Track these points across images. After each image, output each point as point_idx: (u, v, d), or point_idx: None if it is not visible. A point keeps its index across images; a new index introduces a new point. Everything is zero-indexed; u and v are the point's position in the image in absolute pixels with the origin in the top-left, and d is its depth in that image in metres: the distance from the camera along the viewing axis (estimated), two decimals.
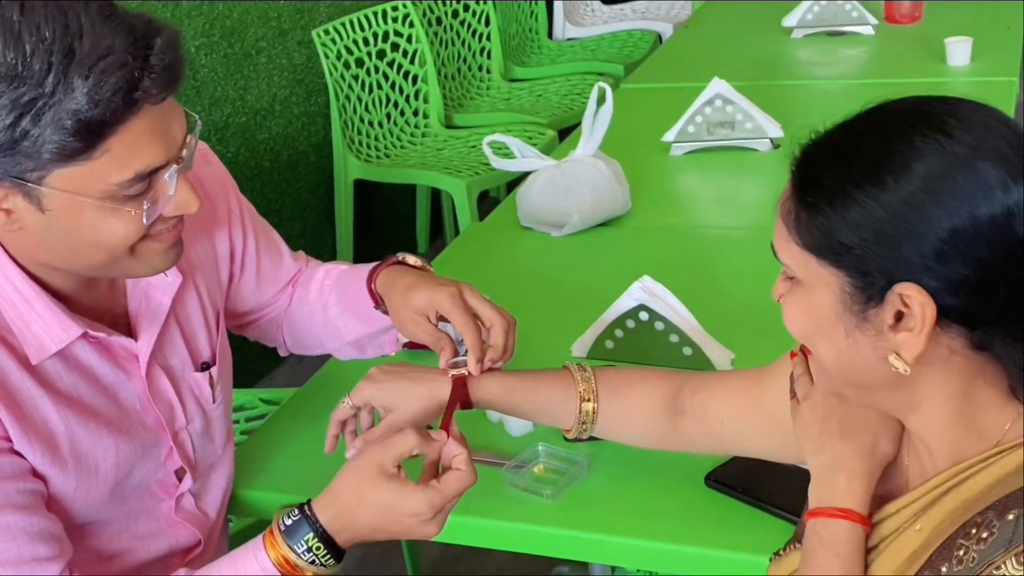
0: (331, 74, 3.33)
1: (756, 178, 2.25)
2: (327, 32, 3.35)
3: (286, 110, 3.29)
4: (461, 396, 1.19)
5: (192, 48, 2.92)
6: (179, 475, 1.29)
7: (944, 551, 0.85)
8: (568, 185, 2.03)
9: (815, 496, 0.97)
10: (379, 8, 3.56)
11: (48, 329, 1.12)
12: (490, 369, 1.23)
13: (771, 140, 2.32)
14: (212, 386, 1.31)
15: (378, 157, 3.46)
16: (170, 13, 2.89)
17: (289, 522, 1.07)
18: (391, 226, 3.72)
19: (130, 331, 1.22)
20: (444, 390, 1.19)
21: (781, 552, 1.06)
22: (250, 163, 3.05)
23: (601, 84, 2.08)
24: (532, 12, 4.46)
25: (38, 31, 0.97)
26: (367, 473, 1.07)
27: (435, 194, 3.76)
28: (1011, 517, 0.80)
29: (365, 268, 1.41)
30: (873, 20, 3.05)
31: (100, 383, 1.19)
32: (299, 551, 1.06)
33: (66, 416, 1.14)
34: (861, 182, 0.84)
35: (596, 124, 2.06)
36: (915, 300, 0.82)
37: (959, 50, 2.68)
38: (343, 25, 3.42)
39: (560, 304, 1.80)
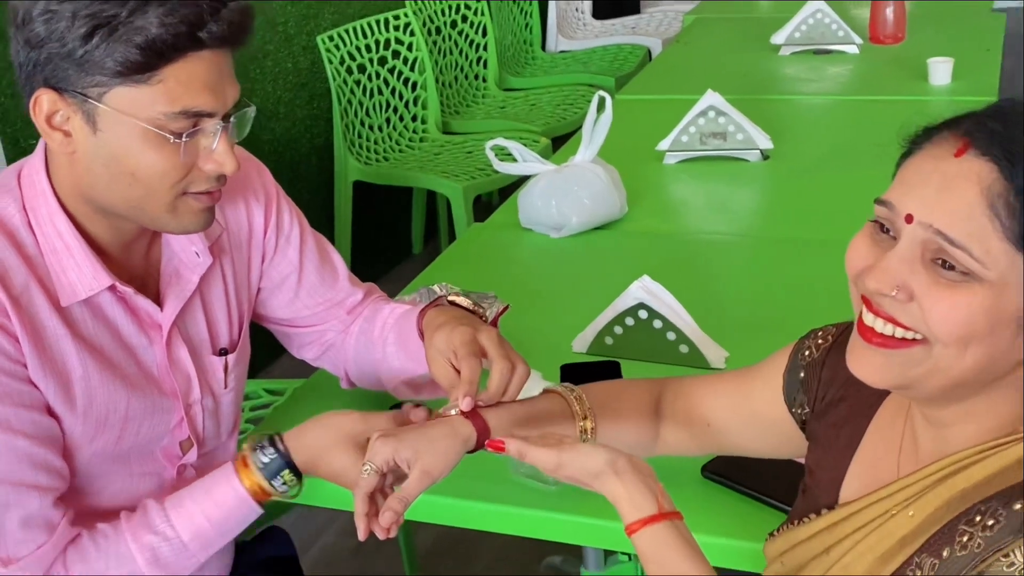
0: (334, 79, 3.35)
1: (747, 187, 2.28)
2: (331, 38, 3.37)
3: (290, 113, 3.32)
4: (482, 430, 1.15)
5: None
6: (184, 448, 1.29)
7: (944, 536, 0.86)
8: (568, 189, 2.04)
9: (632, 512, 1.00)
10: (381, 16, 3.59)
11: (81, 276, 1.15)
12: (497, 403, 1.20)
13: (761, 151, 2.34)
14: (226, 372, 1.31)
15: (377, 160, 3.49)
16: None
17: (267, 459, 1.15)
18: (388, 227, 3.73)
19: (159, 302, 1.23)
20: (462, 427, 1.15)
21: (775, 532, 1.08)
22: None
23: (601, 93, 2.10)
24: (527, 24, 4.48)
25: None
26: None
27: (430, 197, 3.78)
28: (1018, 507, 0.81)
29: (420, 307, 1.40)
30: (858, 40, 3.08)
31: (123, 340, 1.21)
32: (276, 484, 1.14)
33: (85, 359, 1.16)
34: None
35: (596, 131, 2.08)
36: None
37: (941, 70, 2.72)
38: (347, 32, 3.44)
39: (559, 302, 1.82)
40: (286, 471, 1.12)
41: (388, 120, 3.59)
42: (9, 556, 1.10)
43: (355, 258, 3.50)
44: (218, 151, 1.11)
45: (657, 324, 1.61)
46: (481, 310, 1.47)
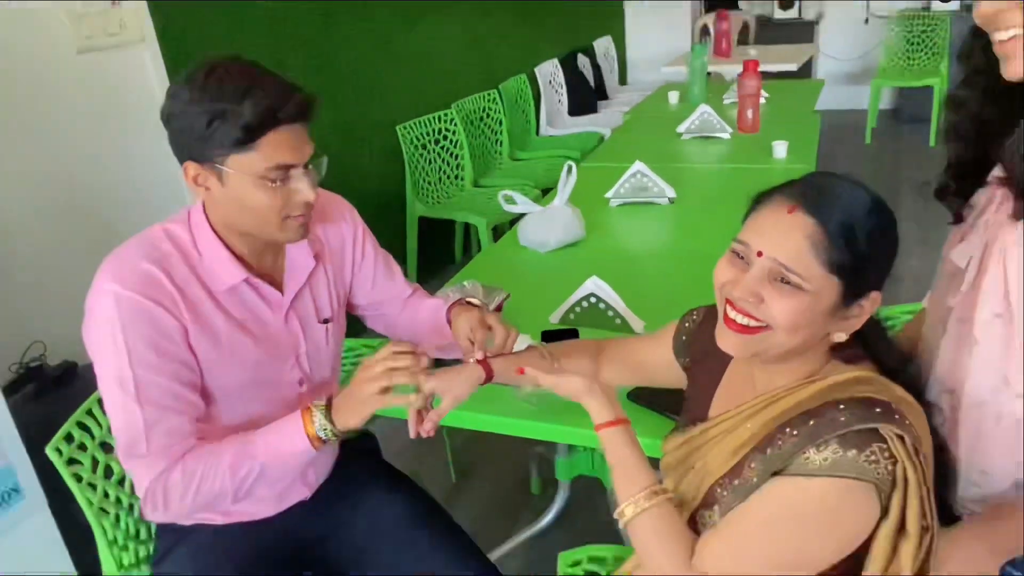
0: (407, 151, 3.36)
1: (659, 222, 2.28)
2: (405, 127, 3.38)
3: (379, 172, 3.32)
4: (489, 371, 1.18)
5: (326, 134, 2.95)
6: (300, 383, 1.28)
7: (767, 441, 0.89)
8: (549, 222, 2.06)
9: (598, 416, 1.02)
10: (437, 114, 3.59)
11: (226, 272, 1.16)
12: (499, 355, 1.23)
13: (668, 198, 2.35)
14: (327, 335, 1.31)
15: (433, 203, 3.50)
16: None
17: (320, 416, 1.11)
18: (439, 245, 3.73)
19: (280, 288, 1.24)
20: (476, 370, 1.18)
21: (669, 435, 1.10)
22: (356, 206, 3.08)
23: (570, 163, 2.12)
24: (527, 119, 4.48)
25: (231, 76, 1.04)
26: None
27: (466, 226, 3.77)
28: (812, 423, 0.84)
29: (446, 304, 1.42)
30: (729, 130, 3.08)
31: (257, 315, 1.21)
32: (323, 436, 1.12)
33: (228, 325, 1.17)
34: (877, 242, 0.85)
35: (566, 186, 2.09)
36: (872, 301, 0.87)
37: (780, 148, 2.73)
38: (415, 123, 3.45)
39: (542, 292, 1.82)
40: (328, 427, 1.11)
41: (440, 178, 3.59)
42: (148, 451, 1.10)
43: (419, 264, 3.50)
44: (302, 189, 1.10)
45: (602, 306, 1.62)
46: (485, 304, 1.49)
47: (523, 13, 4.58)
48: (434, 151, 3.56)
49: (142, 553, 1.41)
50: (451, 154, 3.67)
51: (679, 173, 2.61)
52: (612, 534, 1.89)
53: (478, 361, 1.18)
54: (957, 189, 0.98)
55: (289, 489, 1.33)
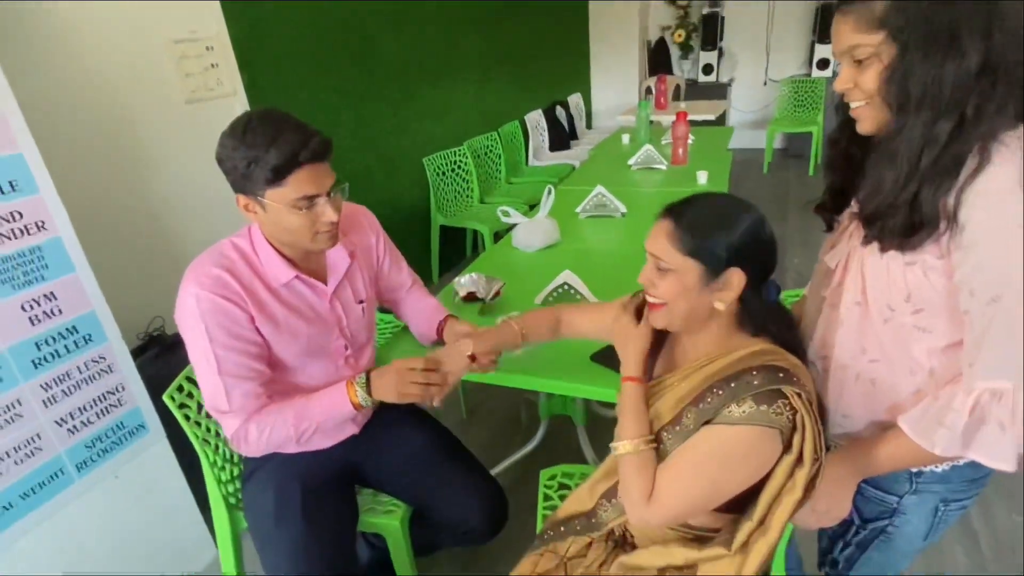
0: (431, 176, 3.30)
1: (615, 231, 2.24)
2: (430, 159, 3.32)
3: (409, 193, 3.26)
4: (472, 358, 1.15)
5: (371, 165, 2.91)
6: (345, 348, 1.26)
7: (699, 398, 0.86)
8: (534, 229, 2.03)
9: (623, 370, 0.97)
10: (452, 149, 3.52)
11: (280, 271, 1.13)
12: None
13: (621, 213, 2.32)
14: (363, 312, 1.28)
15: (450, 215, 3.43)
16: (359, 145, 2.85)
17: (359, 388, 1.12)
18: (453, 246, 3.66)
19: (324, 281, 1.21)
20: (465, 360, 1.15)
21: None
22: (390, 219, 3.05)
23: (549, 186, 2.09)
24: (518, 152, 4.40)
25: (263, 126, 1.00)
26: (394, 367, 1.12)
27: (474, 232, 3.71)
28: (733, 385, 0.82)
29: (442, 312, 1.40)
30: (665, 162, 3.03)
31: (308, 303, 1.18)
32: (363, 403, 1.11)
33: (285, 312, 1.14)
34: (722, 230, 0.83)
35: (546, 204, 2.06)
36: (735, 276, 0.84)
37: (702, 176, 2.69)
38: (437, 156, 3.38)
39: (530, 280, 1.79)
40: (367, 397, 1.12)
41: (455, 196, 3.53)
42: (229, 409, 1.08)
43: (440, 260, 3.45)
44: (326, 212, 1.06)
45: (572, 291, 1.58)
46: (486, 292, 1.49)
47: (516, 76, 4.51)
48: (451, 177, 3.50)
49: (235, 472, 1.39)
50: (463, 179, 3.61)
51: (629, 194, 2.56)
52: (578, 456, 1.92)
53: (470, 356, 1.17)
54: (831, 206, 0.97)
55: (343, 428, 1.31)
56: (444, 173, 3.44)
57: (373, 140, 2.93)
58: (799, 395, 0.80)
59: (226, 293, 1.07)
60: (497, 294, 1.61)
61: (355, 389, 1.12)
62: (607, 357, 1.33)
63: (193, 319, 1.06)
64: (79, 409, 1.43)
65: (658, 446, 0.90)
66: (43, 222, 1.33)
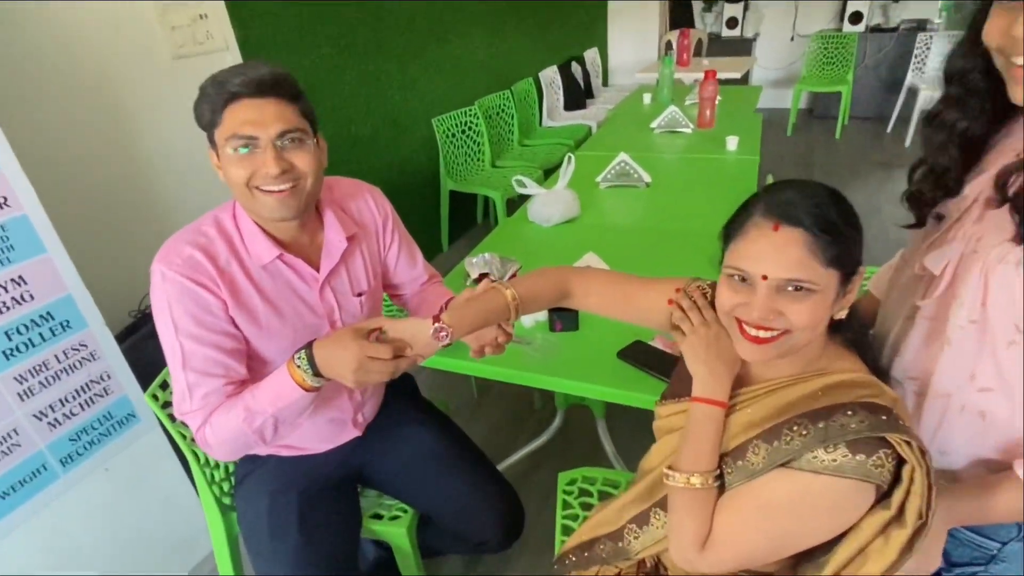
0: (440, 139, 3.09)
1: (638, 202, 2.05)
2: (440, 120, 3.11)
3: (419, 156, 3.06)
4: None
5: (377, 126, 2.72)
6: None
7: (773, 432, 0.70)
8: (552, 202, 1.85)
9: (700, 389, 0.77)
10: (464, 109, 3.30)
11: (262, 250, 0.98)
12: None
13: (646, 183, 2.13)
14: (361, 305, 1.10)
15: (460, 180, 3.23)
16: (364, 105, 2.65)
17: (303, 371, 0.87)
18: (464, 212, 3.50)
19: (316, 266, 1.04)
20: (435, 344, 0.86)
21: (661, 401, 0.89)
22: (397, 184, 2.87)
23: (569, 154, 1.89)
24: (532, 112, 4.15)
25: (224, 70, 0.89)
26: (346, 332, 0.84)
27: (485, 197, 3.54)
28: (821, 426, 0.66)
29: (446, 296, 1.19)
30: (691, 125, 2.81)
31: (295, 291, 1.02)
32: (314, 384, 0.88)
33: (265, 300, 0.99)
34: (852, 223, 0.68)
35: (566, 173, 1.87)
36: (860, 276, 0.70)
37: (732, 142, 2.47)
38: (447, 116, 3.17)
39: (547, 259, 1.64)
40: (318, 380, 0.87)
41: (465, 160, 3.31)
42: (189, 410, 0.94)
43: (450, 227, 3.29)
44: (266, 160, 0.88)
45: None
46: (501, 274, 1.30)
47: (530, 31, 4.22)
48: (461, 139, 3.28)
49: (230, 468, 1.27)
50: (474, 141, 3.39)
51: (652, 162, 2.37)
52: (595, 450, 1.79)
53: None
54: (930, 195, 0.78)
55: (342, 431, 1.18)
56: (454, 135, 3.22)
57: (379, 99, 2.72)
58: (908, 444, 0.64)
59: (196, 276, 0.92)
60: (513, 276, 1.45)
61: (300, 373, 0.88)
62: (637, 354, 1.18)
63: (159, 304, 0.92)
64: (60, 401, 1.31)
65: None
66: (5, 199, 1.17)
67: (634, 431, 1.87)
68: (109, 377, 1.39)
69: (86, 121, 1.61)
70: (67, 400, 1.32)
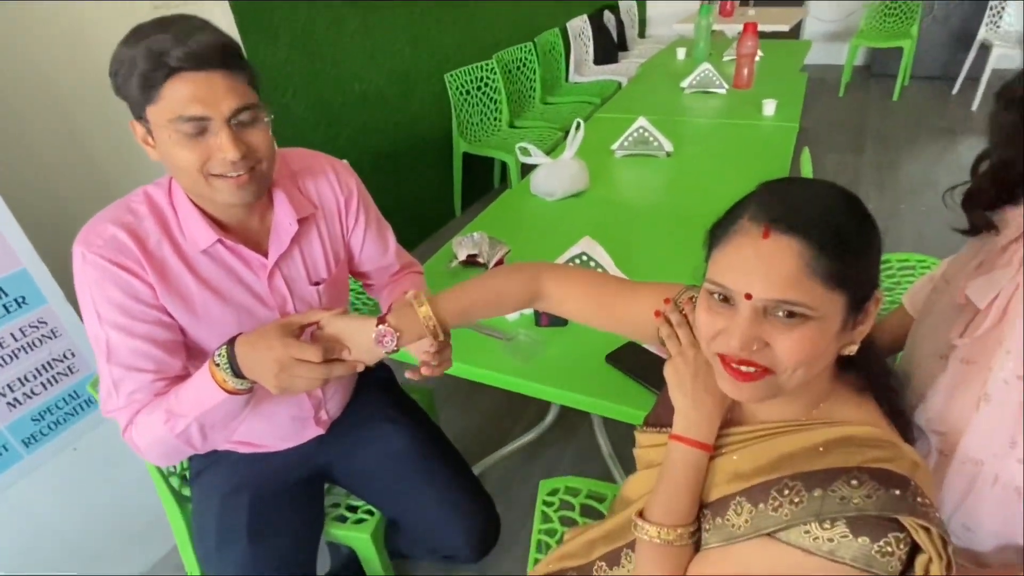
0: (453, 96, 2.93)
1: (656, 173, 1.88)
2: (453, 76, 2.93)
3: (429, 115, 2.90)
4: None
5: (383, 83, 2.56)
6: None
7: (759, 492, 0.58)
8: (557, 173, 1.70)
9: (681, 426, 0.66)
10: (479, 63, 3.11)
11: (199, 233, 0.87)
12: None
13: (667, 152, 1.95)
14: (319, 296, 1.00)
15: (475, 141, 3.08)
16: (368, 59, 2.50)
17: (225, 371, 0.78)
18: (478, 175, 3.35)
19: (264, 251, 0.93)
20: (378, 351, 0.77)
21: (644, 428, 0.77)
22: (406, 145, 2.72)
23: (578, 120, 1.72)
24: (557, 67, 3.92)
25: (150, 23, 0.77)
26: (272, 327, 0.76)
27: (504, 162, 3.39)
28: (818, 494, 0.54)
29: (416, 286, 1.11)
30: (726, 85, 2.58)
31: (240, 279, 0.92)
32: (240, 387, 0.79)
33: (203, 287, 0.89)
34: (867, 235, 0.54)
35: (574, 141, 1.72)
36: (875, 302, 0.56)
37: (769, 106, 2.25)
38: (460, 72, 2.99)
39: (545, 239, 1.50)
40: (242, 383, 0.79)
41: (481, 119, 3.15)
42: (115, 407, 0.85)
43: (464, 191, 3.15)
44: (222, 144, 0.78)
45: (592, 264, 1.28)
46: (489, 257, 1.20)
47: None
48: (476, 96, 3.10)
49: (185, 463, 1.21)
50: (491, 99, 3.20)
51: (678, 126, 2.18)
52: (590, 446, 1.69)
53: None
54: (991, 197, 0.62)
55: (304, 429, 1.10)
56: (469, 92, 3.05)
57: (385, 52, 2.56)
58: (927, 530, 0.51)
59: (119, 258, 0.83)
60: (500, 262, 1.33)
61: (222, 375, 0.79)
62: (627, 359, 1.06)
63: (82, 290, 0.83)
64: (19, 380, 1.26)
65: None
66: None
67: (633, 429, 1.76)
68: (73, 355, 1.33)
69: (47, 78, 1.52)
70: (27, 379, 1.27)
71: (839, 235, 0.52)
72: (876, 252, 0.54)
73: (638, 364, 1.04)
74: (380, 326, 0.73)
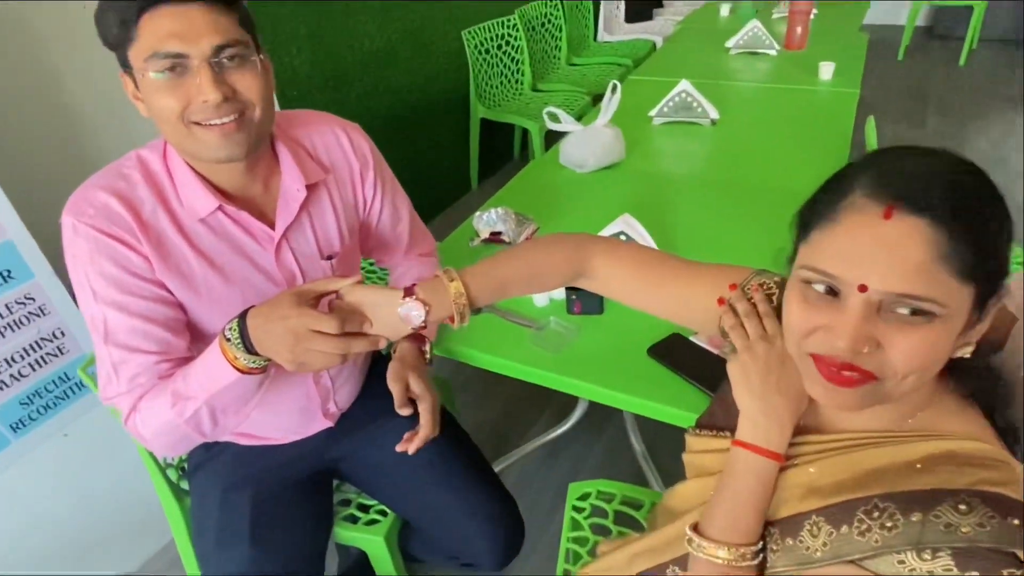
0: (471, 56, 2.85)
1: (700, 143, 1.81)
2: (470, 32, 2.85)
3: (445, 76, 2.82)
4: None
5: (396, 40, 2.50)
6: None
7: (843, 512, 0.53)
8: (589, 142, 1.64)
9: (748, 431, 0.61)
10: (500, 19, 3.02)
11: (198, 200, 0.84)
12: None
13: (711, 119, 1.88)
14: (332, 270, 0.97)
15: (494, 106, 3.01)
16: (381, 14, 2.43)
17: (237, 348, 0.75)
18: (498, 144, 3.29)
19: (271, 222, 0.90)
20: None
21: (697, 431, 0.72)
22: (419, 109, 2.67)
23: (614, 82, 1.66)
24: (585, 24, 3.81)
25: None
26: (286, 295, 0.74)
27: (525, 130, 3.32)
28: (916, 519, 0.49)
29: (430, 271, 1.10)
30: (777, 47, 2.49)
31: (244, 252, 0.89)
32: (253, 366, 0.76)
33: (203, 261, 0.86)
34: (1002, 217, 0.48)
35: (609, 106, 1.64)
36: (1000, 295, 0.50)
37: (826, 69, 2.16)
38: (479, 28, 2.91)
39: (576, 215, 1.45)
40: (256, 360, 0.76)
41: (501, 82, 3.07)
42: (115, 393, 0.83)
43: (481, 161, 3.09)
44: (202, 84, 0.74)
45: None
46: (515, 236, 1.17)
47: None
48: (496, 56, 3.02)
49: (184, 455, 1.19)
50: (512, 59, 3.11)
51: (724, 91, 2.09)
52: (623, 451, 1.65)
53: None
54: None
55: (311, 422, 1.08)
56: (488, 51, 2.97)
57: (397, 7, 2.48)
58: None
59: (112, 229, 0.80)
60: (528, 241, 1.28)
61: (233, 352, 0.76)
62: (673, 353, 1.01)
63: (74, 265, 0.81)
64: (6, 361, 1.25)
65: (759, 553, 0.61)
66: None
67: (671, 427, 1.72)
68: (63, 335, 1.32)
69: (9, 36, 1.48)
70: (14, 360, 1.26)
71: (975, 217, 0.46)
72: (1010, 238, 0.49)
73: (687, 359, 0.99)
74: (408, 299, 0.70)
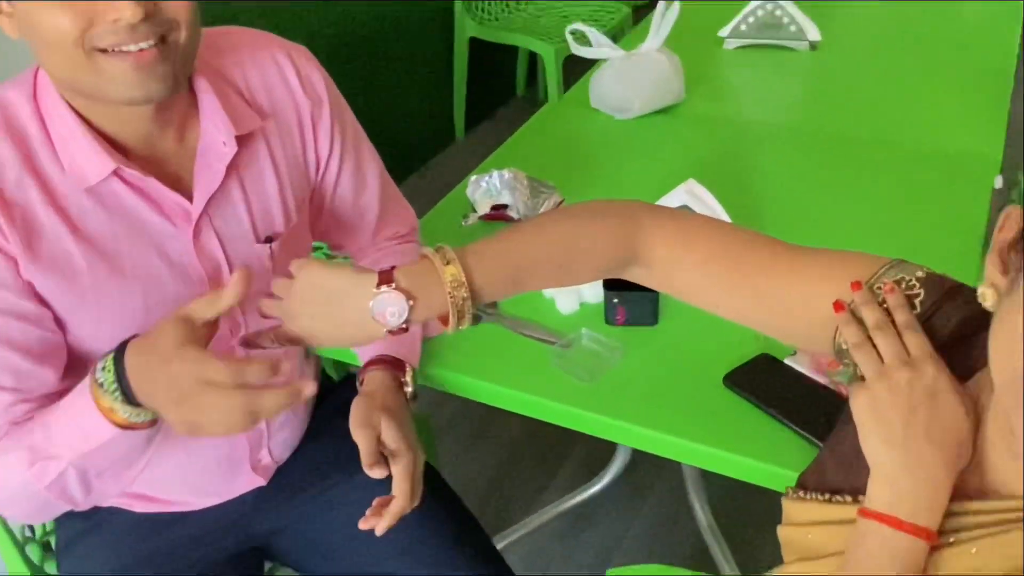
0: None
1: (794, 76, 1.88)
2: None
3: None
4: None
5: None
6: (231, 332, 1.01)
7: None
8: (633, 75, 1.69)
9: (883, 496, 0.63)
10: None
11: (87, 161, 0.86)
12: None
13: (810, 42, 1.95)
14: (272, 258, 1.00)
15: (488, 22, 3.07)
16: None
17: (113, 397, 0.77)
18: (496, 75, 3.36)
19: (188, 192, 0.92)
20: None
21: (800, 493, 0.73)
22: (389, 24, 2.70)
23: None
24: None
25: None
26: (168, 323, 0.74)
27: (531, 57, 3.41)
28: None
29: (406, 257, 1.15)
30: None
31: (143, 229, 0.91)
32: (131, 418, 0.77)
33: (89, 254, 0.88)
34: None
35: (663, 23, 1.69)
36: None
37: None
38: None
39: (615, 185, 1.50)
40: (140, 414, 0.78)
41: None
42: None
43: (470, 102, 3.17)
44: (117, 3, 0.76)
45: None
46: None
47: None
48: None
49: (50, 525, 1.22)
50: None
51: (824, 5, 2.14)
52: (682, 518, 1.67)
53: None
54: None
55: (235, 478, 1.12)
56: None
57: None
58: None
59: None
60: None
61: (108, 402, 0.77)
62: (762, 383, 1.04)
63: None
64: None
65: None
66: None
67: (749, 495, 1.77)
68: None
69: None
70: None
71: None
72: None
73: (781, 391, 1.02)
74: (384, 287, 0.69)
